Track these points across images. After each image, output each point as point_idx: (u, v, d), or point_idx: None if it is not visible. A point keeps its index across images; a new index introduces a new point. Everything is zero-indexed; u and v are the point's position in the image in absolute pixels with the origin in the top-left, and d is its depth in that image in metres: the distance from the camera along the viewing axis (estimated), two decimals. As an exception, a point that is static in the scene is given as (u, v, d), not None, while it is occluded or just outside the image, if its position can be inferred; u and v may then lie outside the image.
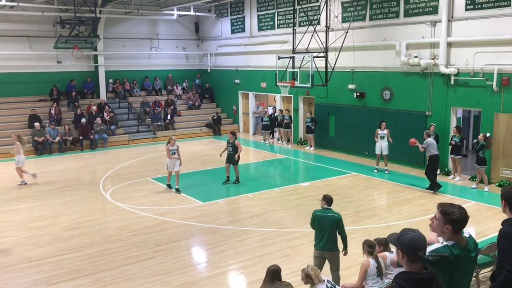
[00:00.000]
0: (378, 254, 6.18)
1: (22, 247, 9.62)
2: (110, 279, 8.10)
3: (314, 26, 16.67)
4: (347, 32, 16.18)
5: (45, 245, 9.66)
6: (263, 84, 22.22)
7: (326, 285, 5.64)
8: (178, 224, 10.87)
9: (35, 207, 12.37)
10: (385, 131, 15.30)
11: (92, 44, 21.81)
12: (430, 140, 13.07)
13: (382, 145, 15.29)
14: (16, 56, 21.43)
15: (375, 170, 15.53)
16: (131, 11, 22.78)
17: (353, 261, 7.95)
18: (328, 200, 7.30)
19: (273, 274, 5.73)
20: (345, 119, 18.37)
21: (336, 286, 5.92)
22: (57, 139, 19.76)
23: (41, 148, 19.39)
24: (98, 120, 20.89)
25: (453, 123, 14.90)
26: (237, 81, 24.21)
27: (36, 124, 19.53)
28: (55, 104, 21.65)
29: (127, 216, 11.55)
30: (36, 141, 19.32)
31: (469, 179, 14.14)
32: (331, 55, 16.59)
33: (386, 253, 6.20)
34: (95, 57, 23.55)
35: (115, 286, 7.85)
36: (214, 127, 23.82)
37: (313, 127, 19.22)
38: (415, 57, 15.43)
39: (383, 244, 6.24)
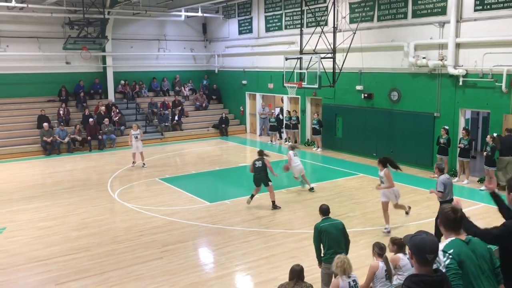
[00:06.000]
0: (392, 256, 6.16)
1: (31, 246, 9.69)
2: (118, 279, 8.13)
3: (322, 27, 16.65)
4: (354, 33, 16.15)
5: (54, 245, 9.73)
6: (270, 85, 22.23)
7: (349, 283, 5.66)
8: (186, 224, 10.90)
9: (43, 207, 12.45)
10: None
11: (101, 45, 21.94)
12: (443, 178, 9.12)
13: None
14: (25, 57, 21.59)
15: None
16: (139, 12, 22.87)
17: (361, 263, 7.92)
18: (324, 210, 7.11)
19: (298, 274, 5.75)
20: (353, 120, 18.32)
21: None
22: (66, 139, 19.89)
23: (49, 148, 19.52)
24: (106, 120, 21.00)
25: (462, 124, 14.81)
26: (244, 82, 24.23)
27: (45, 124, 19.66)
28: (64, 105, 21.78)
29: (135, 216, 11.59)
30: (45, 141, 19.45)
31: (478, 181, 14.04)
32: (339, 56, 16.55)
33: (400, 255, 6.15)
34: (103, 58, 23.67)
35: (123, 286, 7.89)
36: (221, 128, 23.85)
37: (319, 129, 19.20)
38: (423, 58, 15.36)
39: (397, 243, 6.19)
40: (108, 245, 9.70)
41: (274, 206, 11.89)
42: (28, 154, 19.24)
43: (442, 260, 3.51)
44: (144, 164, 17.07)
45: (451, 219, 3.71)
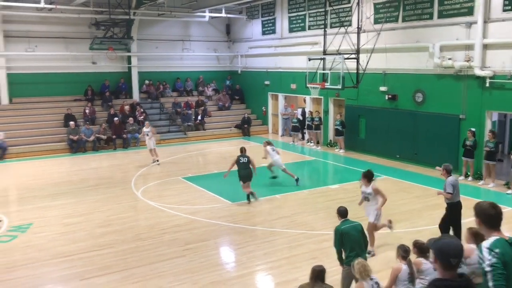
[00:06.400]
0: (414, 259, 6.09)
1: (57, 242, 9.91)
2: (141, 275, 8.25)
3: (346, 27, 16.56)
4: (379, 34, 16.01)
5: (79, 241, 9.93)
6: (293, 86, 22.20)
7: (372, 286, 5.63)
8: (207, 223, 10.98)
9: (69, 203, 12.72)
10: None
11: (126, 45, 22.27)
12: (452, 179, 9.02)
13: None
14: (53, 56, 22.08)
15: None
16: (164, 13, 23.15)
17: (383, 265, 7.86)
18: (342, 212, 7.09)
19: (318, 274, 5.75)
20: (376, 122, 18.16)
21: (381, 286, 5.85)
22: (91, 138, 20.27)
23: (75, 147, 19.92)
24: (131, 120, 21.32)
25: (488, 126, 14.53)
26: (267, 82, 24.27)
27: (71, 123, 20.08)
28: (90, 104, 22.21)
29: (158, 214, 11.74)
30: (71, 139, 19.86)
31: (504, 185, 13.75)
32: (362, 57, 16.44)
33: (422, 259, 6.07)
34: (128, 58, 24.02)
35: (145, 283, 8.00)
36: (244, 128, 23.93)
37: (342, 130, 19.10)
38: (449, 59, 15.13)
39: (418, 247, 6.12)
40: (132, 242, 9.85)
41: (249, 198, 12.50)
42: (55, 152, 19.68)
43: (487, 258, 3.35)
44: (157, 160, 17.51)
45: (492, 214, 3.56)
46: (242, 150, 12.92)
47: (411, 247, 6.25)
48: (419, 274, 6.02)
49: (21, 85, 21.44)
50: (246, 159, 12.57)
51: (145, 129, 17.65)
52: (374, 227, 8.95)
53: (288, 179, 14.48)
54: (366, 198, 8.98)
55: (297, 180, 14.18)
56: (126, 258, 9.03)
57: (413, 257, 6.20)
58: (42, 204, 12.65)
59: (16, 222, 11.16)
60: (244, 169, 12.46)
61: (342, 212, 7.09)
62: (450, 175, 9.01)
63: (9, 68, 21.24)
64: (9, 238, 10.13)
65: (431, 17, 15.84)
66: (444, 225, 9.09)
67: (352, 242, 6.76)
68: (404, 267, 5.99)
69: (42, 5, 18.86)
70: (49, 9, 19.97)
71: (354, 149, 19.15)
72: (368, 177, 8.97)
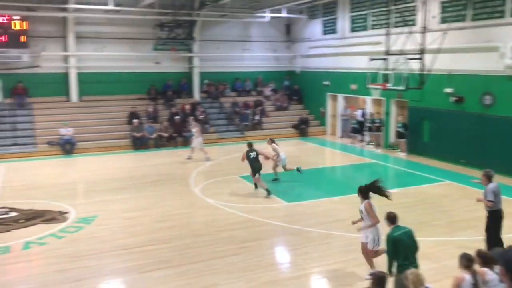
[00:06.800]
0: (478, 268, 5.76)
1: (118, 235, 10.30)
2: (197, 271, 8.39)
3: (410, 27, 16.02)
4: (445, 33, 15.35)
5: (138, 235, 10.25)
6: (353, 86, 21.78)
7: None
8: (263, 222, 10.99)
9: (130, 198, 13.18)
10: None
11: (188, 46, 22.78)
12: (493, 186, 8.62)
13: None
14: (119, 57, 22.99)
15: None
16: (226, 14, 23.48)
17: (443, 274, 7.51)
18: (392, 218, 6.79)
19: (379, 281, 5.60)
20: (441, 124, 17.41)
21: None
22: (154, 135, 20.94)
23: (138, 143, 20.66)
24: (191, 119, 21.78)
25: None
26: (326, 82, 23.97)
27: (135, 120, 20.85)
28: (153, 103, 22.94)
29: (215, 211, 11.91)
30: (134, 136, 20.61)
31: None
32: (427, 57, 15.82)
33: (486, 270, 5.73)
34: (190, 58, 24.57)
35: (201, 279, 8.12)
36: (301, 128, 23.78)
37: (404, 132, 18.49)
38: (523, 59, 14.25)
39: (483, 257, 5.78)
40: (188, 238, 10.03)
41: (256, 186, 13.58)
42: (119, 148, 20.49)
43: None
44: (190, 157, 18.09)
45: None
46: (250, 145, 13.73)
47: (475, 257, 5.93)
48: (483, 285, 5.69)
49: (89, 83, 22.48)
50: (254, 153, 13.41)
51: (192, 129, 18.56)
52: (373, 252, 8.00)
53: (348, 181, 14.20)
54: (361, 216, 8.13)
55: (298, 169, 14.75)
56: (182, 253, 9.21)
57: (476, 267, 5.87)
58: (106, 198, 13.18)
59: (82, 214, 11.71)
60: (254, 163, 13.31)
61: (392, 218, 6.82)
62: (491, 182, 8.53)
63: (79, 67, 22.35)
64: (75, 229, 10.65)
65: (502, 16, 14.97)
66: (490, 236, 8.59)
67: (405, 250, 6.51)
68: (467, 277, 5.67)
69: (110, 7, 19.72)
70: (116, 10, 20.84)
71: (417, 153, 18.45)
72: (363, 192, 8.05)
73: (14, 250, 9.46)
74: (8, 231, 10.49)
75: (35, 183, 14.92)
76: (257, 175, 13.32)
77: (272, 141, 15.05)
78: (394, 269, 6.57)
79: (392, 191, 13.56)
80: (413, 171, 16.25)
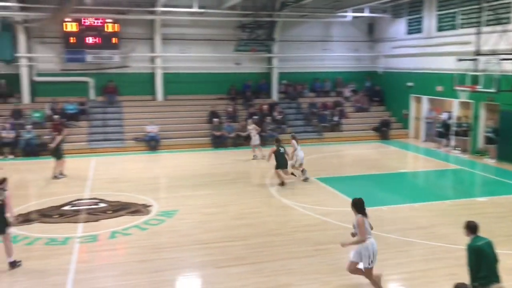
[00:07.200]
0: None
1: (196, 230, 10.63)
2: (271, 270, 8.44)
3: (504, 25, 14.97)
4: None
5: (215, 231, 10.51)
6: (439, 88, 20.76)
7: None
8: (339, 226, 10.81)
9: (209, 195, 13.55)
10: None
11: (268, 47, 22.99)
12: None
13: None
14: (201, 58, 23.76)
15: None
16: (306, 14, 23.40)
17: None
18: (473, 227, 6.41)
19: None
20: (536, 130, 16.10)
21: None
22: (232, 134, 21.39)
23: (217, 142, 21.21)
24: (269, 119, 21.98)
25: None
26: (410, 84, 23.07)
27: (215, 119, 21.43)
28: (232, 103, 23.44)
29: (290, 212, 11.92)
30: (214, 135, 21.19)
31: None
32: (523, 57, 14.71)
33: None
34: (269, 59, 24.78)
35: (275, 278, 8.16)
36: (382, 131, 23.08)
37: (495, 138, 17.30)
38: None
39: None
40: (264, 237, 10.12)
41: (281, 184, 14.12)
42: (199, 146, 21.14)
43: None
44: (256, 156, 18.46)
45: None
46: (278, 140, 14.78)
47: None
48: None
49: (173, 83, 23.46)
50: (283, 149, 14.31)
51: (249, 127, 19.03)
52: (354, 267, 7.57)
53: (431, 187, 13.57)
54: (354, 231, 7.62)
55: (302, 171, 14.89)
56: (257, 251, 9.31)
57: None
58: (186, 193, 13.66)
59: (164, 207, 12.24)
60: (283, 158, 14.20)
61: (473, 227, 6.43)
62: None
63: (164, 68, 23.39)
64: (157, 222, 11.15)
65: None
66: None
67: (488, 261, 6.13)
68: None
69: (194, 9, 20.43)
70: (200, 13, 21.55)
71: (508, 160, 17.17)
72: (356, 206, 7.54)
73: (101, 239, 10.11)
74: (97, 220, 11.25)
75: (122, 176, 15.83)
76: (280, 170, 14.09)
77: (293, 137, 15.36)
78: (477, 283, 6.16)
79: (479, 199, 12.88)
80: (503, 179, 15.17)
